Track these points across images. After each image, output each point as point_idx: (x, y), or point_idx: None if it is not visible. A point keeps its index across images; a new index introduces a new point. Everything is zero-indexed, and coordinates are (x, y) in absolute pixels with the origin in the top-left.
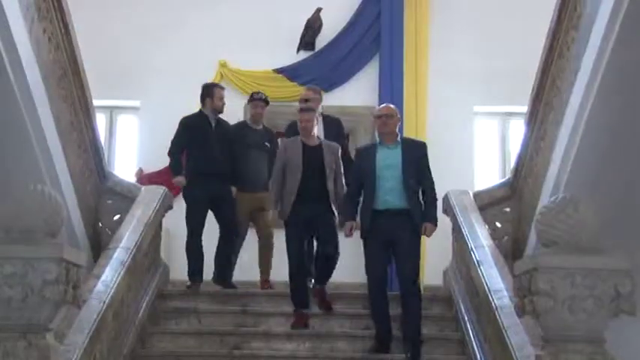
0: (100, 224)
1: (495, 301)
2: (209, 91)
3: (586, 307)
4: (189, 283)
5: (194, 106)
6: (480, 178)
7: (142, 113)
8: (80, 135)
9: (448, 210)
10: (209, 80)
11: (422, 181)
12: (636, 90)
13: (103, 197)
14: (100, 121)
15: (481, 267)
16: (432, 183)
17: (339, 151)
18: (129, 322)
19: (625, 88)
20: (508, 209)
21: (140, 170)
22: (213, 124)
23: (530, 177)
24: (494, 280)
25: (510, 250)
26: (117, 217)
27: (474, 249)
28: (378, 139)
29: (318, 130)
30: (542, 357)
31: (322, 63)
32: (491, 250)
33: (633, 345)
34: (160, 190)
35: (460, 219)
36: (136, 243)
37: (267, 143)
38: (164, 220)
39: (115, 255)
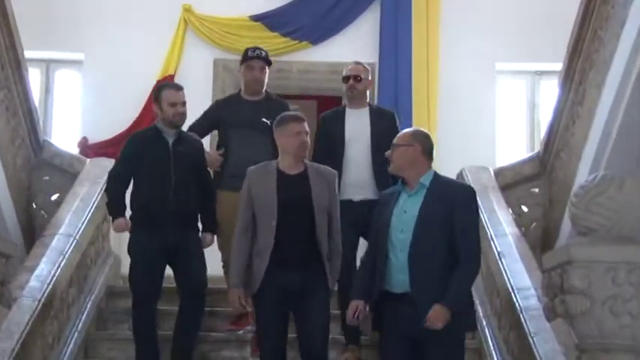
0: (34, 205)
1: (520, 301)
2: (155, 97)
3: (631, 310)
4: None
5: (151, 62)
6: (504, 151)
7: (85, 68)
8: (8, 94)
9: None
10: (169, 29)
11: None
12: None
13: (38, 172)
14: (35, 77)
15: (503, 260)
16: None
17: (336, 180)
18: (70, 325)
19: None
20: (537, 190)
21: (84, 139)
22: (171, 143)
23: (564, 151)
24: (519, 276)
25: (539, 240)
26: (55, 196)
27: (494, 238)
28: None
29: (361, 124)
30: None
31: (310, 9)
32: (515, 240)
33: None
34: (108, 164)
35: (478, 201)
36: (79, 229)
37: (264, 119)
38: None
39: (53, 243)
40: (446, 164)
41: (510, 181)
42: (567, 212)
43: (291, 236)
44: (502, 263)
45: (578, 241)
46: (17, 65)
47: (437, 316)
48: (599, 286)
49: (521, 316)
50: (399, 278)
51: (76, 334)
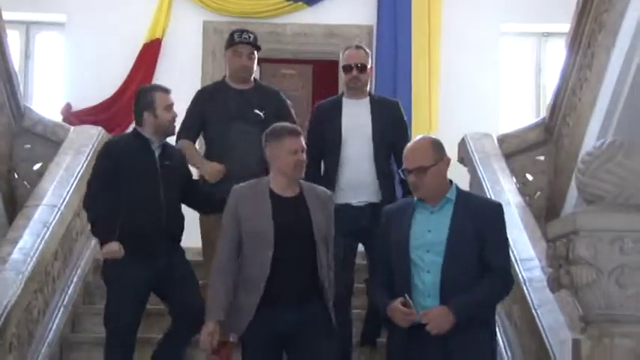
0: (16, 175)
1: (523, 272)
2: (146, 99)
3: (638, 280)
4: None
5: (138, 25)
6: (508, 117)
7: (68, 31)
8: None
9: (465, 158)
10: None
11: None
12: None
13: (19, 140)
14: (14, 40)
15: (513, 238)
16: None
17: (334, 204)
18: (56, 299)
19: None
20: (542, 157)
21: (68, 106)
22: (157, 154)
23: (571, 116)
24: (523, 246)
25: (544, 210)
26: (38, 166)
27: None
28: None
29: (362, 117)
30: (582, 342)
31: None
32: (519, 209)
33: None
34: (94, 131)
35: (480, 169)
36: (64, 199)
37: (257, 110)
38: None
39: (37, 215)
40: (448, 130)
41: (515, 149)
42: (573, 180)
43: (287, 268)
44: (513, 241)
45: (584, 209)
46: None
47: (440, 317)
48: (605, 256)
49: (524, 287)
50: (426, 304)
51: (62, 308)
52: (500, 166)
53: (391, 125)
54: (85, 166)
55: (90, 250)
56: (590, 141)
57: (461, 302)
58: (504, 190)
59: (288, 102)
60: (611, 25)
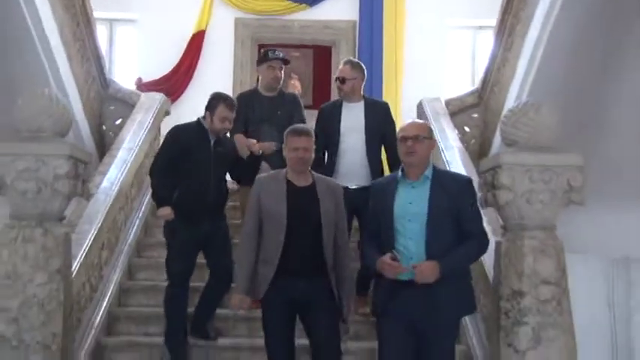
0: (104, 127)
1: None
2: (212, 103)
3: (542, 199)
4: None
5: (188, 20)
6: (451, 87)
7: (139, 25)
8: (82, 44)
9: (422, 115)
10: None
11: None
12: (596, 4)
13: (106, 103)
14: (101, 33)
15: (450, 166)
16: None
17: (342, 194)
18: (133, 214)
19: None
20: (476, 115)
21: (139, 79)
22: (212, 142)
23: (496, 86)
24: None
25: (477, 153)
26: (119, 121)
27: (444, 150)
28: None
29: (356, 117)
30: (502, 243)
31: None
32: (460, 152)
33: (581, 232)
34: (158, 97)
35: (433, 124)
36: (137, 144)
37: (279, 112)
38: (162, 125)
39: (119, 155)
40: (409, 96)
41: (456, 109)
42: (498, 130)
43: (298, 248)
44: (449, 168)
45: (505, 150)
46: (88, 23)
47: (429, 270)
48: (519, 183)
49: None
50: (408, 266)
51: (137, 220)
52: (447, 121)
53: (381, 123)
54: (151, 121)
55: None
56: (509, 103)
57: (446, 259)
58: (449, 138)
59: (301, 103)
60: (526, 19)
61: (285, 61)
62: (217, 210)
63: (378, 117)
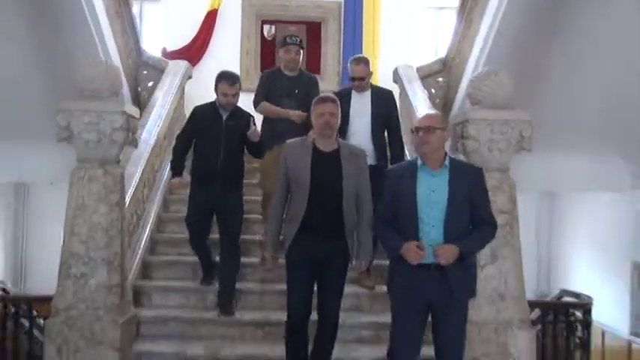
0: (139, 89)
1: None
2: (215, 84)
3: (500, 147)
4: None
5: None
6: (419, 57)
7: (164, 4)
8: (122, 21)
9: (397, 80)
10: None
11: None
12: None
13: (140, 69)
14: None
15: None
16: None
17: (366, 160)
18: (165, 160)
19: None
20: (441, 79)
21: (164, 49)
22: (225, 118)
23: (458, 56)
24: None
25: (441, 109)
26: (150, 83)
27: (415, 107)
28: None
29: (364, 104)
30: None
31: None
32: (428, 108)
33: (529, 173)
34: (182, 64)
35: (406, 86)
36: (168, 102)
37: (296, 90)
38: (185, 87)
39: (154, 111)
40: (387, 64)
41: (425, 74)
42: (460, 92)
43: (320, 209)
44: None
45: (472, 108)
46: (127, 3)
47: (450, 252)
48: (483, 134)
49: None
50: (429, 251)
51: (168, 164)
52: (418, 84)
53: (385, 109)
54: (178, 83)
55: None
56: (469, 70)
57: (465, 243)
58: (419, 98)
59: (318, 82)
60: (483, 3)
61: (302, 46)
62: (229, 178)
63: (383, 103)
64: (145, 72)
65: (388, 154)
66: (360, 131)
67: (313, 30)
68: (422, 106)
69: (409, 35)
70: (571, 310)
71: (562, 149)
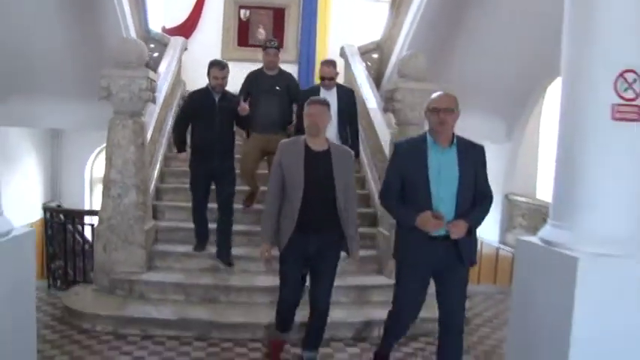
0: (147, 58)
1: (368, 104)
2: (208, 70)
3: (417, 108)
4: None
5: None
6: (361, 38)
7: None
8: (136, 2)
9: (343, 55)
10: None
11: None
12: None
13: (148, 42)
14: None
15: (362, 88)
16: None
17: (353, 159)
18: (169, 114)
19: None
20: (375, 56)
21: (164, 27)
22: (217, 99)
23: (388, 41)
24: (368, 93)
25: (375, 79)
26: (156, 54)
27: (356, 77)
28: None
29: (332, 99)
30: (393, 133)
31: None
32: (366, 77)
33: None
34: (180, 40)
35: (350, 60)
36: (172, 69)
37: (277, 87)
38: (183, 57)
39: (162, 76)
40: (334, 43)
41: (364, 51)
42: (389, 67)
43: (314, 204)
44: (362, 87)
45: (400, 80)
46: None
47: (461, 227)
48: (408, 99)
49: (369, 111)
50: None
51: (171, 117)
52: (358, 59)
53: (348, 105)
54: (178, 55)
55: (180, 90)
56: (397, 50)
57: (473, 218)
58: (359, 69)
59: (295, 79)
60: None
61: (278, 49)
62: (224, 150)
63: (346, 99)
64: (151, 45)
65: None
66: (329, 124)
67: (278, 14)
68: (361, 75)
69: (353, 21)
70: None
71: (463, 109)
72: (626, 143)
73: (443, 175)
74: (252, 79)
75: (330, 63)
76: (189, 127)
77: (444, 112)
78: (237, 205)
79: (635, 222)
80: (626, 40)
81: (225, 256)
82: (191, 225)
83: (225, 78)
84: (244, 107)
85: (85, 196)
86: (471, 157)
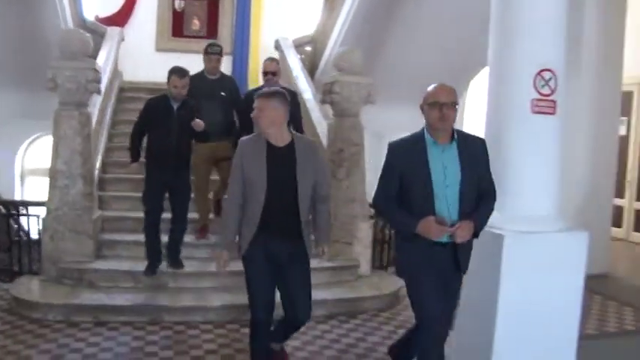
0: None
1: (304, 95)
2: (168, 76)
3: (354, 100)
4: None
5: None
6: (296, 31)
7: None
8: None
9: (278, 48)
10: None
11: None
12: None
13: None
14: None
15: (297, 80)
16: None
17: (320, 149)
18: (109, 102)
19: None
20: (309, 48)
21: (97, 16)
22: (175, 108)
23: (322, 34)
24: (304, 85)
25: (309, 71)
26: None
27: (292, 68)
28: None
29: None
30: (330, 124)
31: None
32: (301, 68)
33: (375, 120)
34: (117, 30)
35: (285, 52)
36: (110, 55)
37: (222, 93)
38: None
39: (102, 61)
40: (268, 36)
41: (298, 44)
42: (323, 59)
43: (277, 206)
44: (298, 79)
45: (338, 73)
46: None
47: (468, 229)
48: (344, 91)
49: (306, 103)
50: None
51: (111, 106)
52: (293, 51)
53: (291, 105)
54: (115, 45)
55: (118, 80)
56: (330, 44)
57: (477, 219)
58: (294, 61)
59: (236, 82)
60: None
61: (221, 54)
62: (180, 160)
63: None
64: (88, 35)
65: None
66: None
67: (213, 5)
68: (296, 66)
69: (286, 13)
70: None
71: (393, 101)
72: (544, 134)
73: (446, 175)
74: (194, 82)
75: (274, 59)
76: (146, 136)
77: (445, 106)
78: (190, 236)
79: (553, 202)
80: (545, 41)
81: (174, 260)
82: (138, 214)
83: (185, 87)
84: (199, 123)
85: (14, 187)
86: (474, 152)
